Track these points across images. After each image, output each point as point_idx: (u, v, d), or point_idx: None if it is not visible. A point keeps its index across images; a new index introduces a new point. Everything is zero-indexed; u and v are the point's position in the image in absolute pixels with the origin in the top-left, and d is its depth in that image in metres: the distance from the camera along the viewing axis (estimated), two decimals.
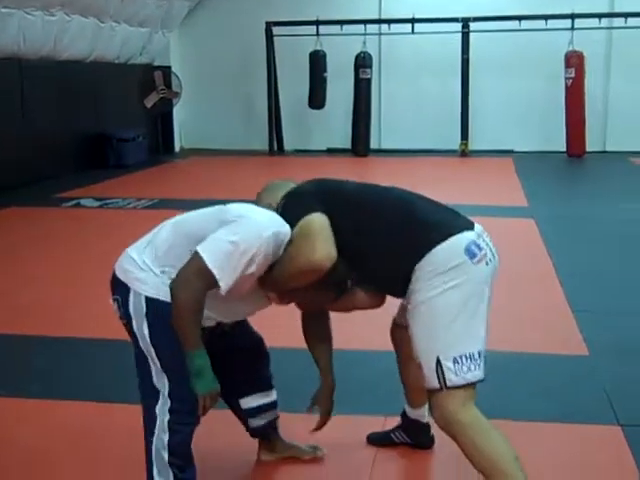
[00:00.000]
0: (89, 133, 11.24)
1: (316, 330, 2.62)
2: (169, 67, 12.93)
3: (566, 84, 11.91)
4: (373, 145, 13.02)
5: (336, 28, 12.18)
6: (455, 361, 2.21)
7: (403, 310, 2.58)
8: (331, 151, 13.29)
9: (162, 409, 2.24)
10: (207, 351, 2.13)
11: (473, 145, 12.49)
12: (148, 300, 2.20)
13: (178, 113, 13.42)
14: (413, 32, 12.17)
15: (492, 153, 12.49)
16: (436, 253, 2.22)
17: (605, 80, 12.56)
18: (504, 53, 12.42)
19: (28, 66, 9.74)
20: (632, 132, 12.40)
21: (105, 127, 11.45)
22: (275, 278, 2.23)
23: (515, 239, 6.43)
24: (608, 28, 12.18)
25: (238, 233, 2.12)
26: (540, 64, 12.33)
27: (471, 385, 2.25)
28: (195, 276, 2.09)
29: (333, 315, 2.63)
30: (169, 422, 2.24)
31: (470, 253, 2.22)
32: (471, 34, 12.02)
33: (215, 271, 2.07)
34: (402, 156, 12.57)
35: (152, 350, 2.22)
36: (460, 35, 12.04)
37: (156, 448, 2.27)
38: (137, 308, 2.22)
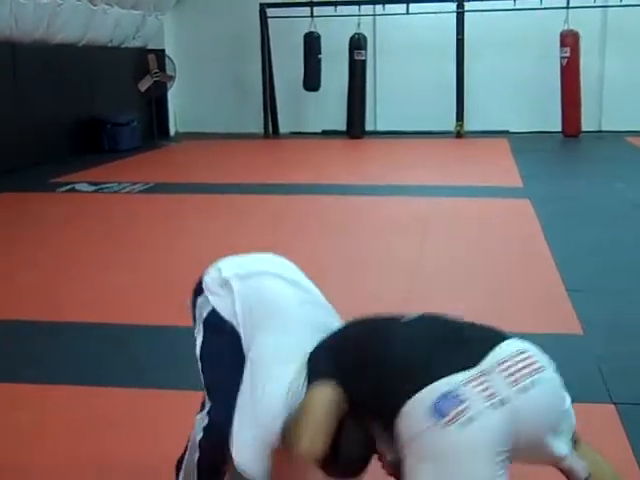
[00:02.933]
0: (83, 117, 11.19)
1: None
2: (163, 50, 12.86)
3: (561, 64, 11.86)
4: (368, 127, 12.99)
5: (330, 9, 12.12)
6: None
7: None
8: (326, 133, 13.25)
9: (199, 425, 2.09)
10: None
11: (468, 126, 12.47)
12: (212, 312, 2.12)
13: (172, 97, 13.36)
14: (408, 12, 12.11)
15: (487, 134, 12.47)
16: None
17: (600, 59, 12.50)
18: (499, 33, 12.36)
19: (21, 50, 9.69)
20: (628, 111, 12.37)
21: (99, 111, 11.40)
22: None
23: (510, 219, 6.45)
24: (603, 7, 12.11)
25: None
26: (535, 43, 12.29)
27: None
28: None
29: None
30: (200, 441, 2.07)
31: (438, 412, 1.67)
32: (466, 14, 11.97)
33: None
34: (397, 138, 12.54)
35: (199, 362, 2.14)
36: (455, 15, 11.99)
37: (186, 464, 2.14)
38: (201, 314, 2.15)
